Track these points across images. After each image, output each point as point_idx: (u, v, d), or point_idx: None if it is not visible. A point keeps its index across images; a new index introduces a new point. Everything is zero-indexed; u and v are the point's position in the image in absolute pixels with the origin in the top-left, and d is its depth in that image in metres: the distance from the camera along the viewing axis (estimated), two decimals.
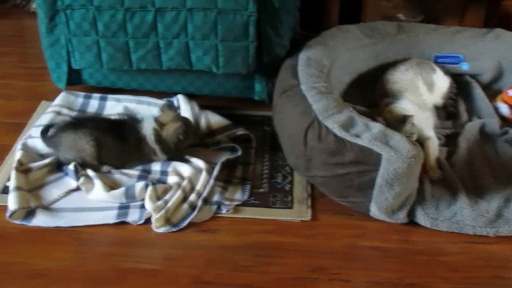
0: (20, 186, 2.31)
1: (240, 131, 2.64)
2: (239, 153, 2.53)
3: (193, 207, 2.29)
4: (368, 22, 3.04)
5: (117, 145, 2.42)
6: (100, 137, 2.39)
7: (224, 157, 2.50)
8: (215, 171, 2.40)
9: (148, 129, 2.41)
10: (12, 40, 3.61)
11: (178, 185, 2.36)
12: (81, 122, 2.48)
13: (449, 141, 2.62)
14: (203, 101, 2.82)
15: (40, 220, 2.24)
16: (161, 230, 2.21)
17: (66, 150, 2.42)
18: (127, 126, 2.45)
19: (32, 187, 2.36)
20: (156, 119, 2.43)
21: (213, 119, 2.70)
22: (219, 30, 2.59)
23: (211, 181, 2.36)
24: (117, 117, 2.65)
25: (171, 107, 2.55)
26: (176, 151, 2.46)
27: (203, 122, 2.65)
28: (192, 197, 2.32)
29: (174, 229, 2.21)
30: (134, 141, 2.41)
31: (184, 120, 2.48)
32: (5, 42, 3.57)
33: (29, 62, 3.34)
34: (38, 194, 2.34)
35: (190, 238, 2.20)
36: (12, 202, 2.24)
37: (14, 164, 2.39)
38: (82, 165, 2.42)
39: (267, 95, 2.84)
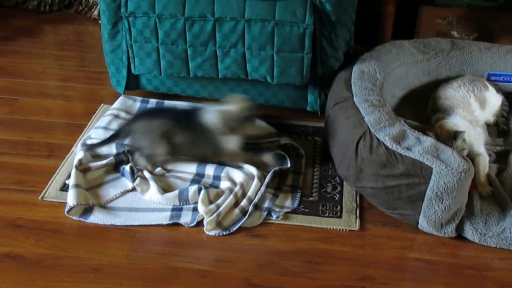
0: (79, 184, 2.39)
1: (284, 140, 2.68)
2: (289, 164, 2.57)
3: (244, 212, 2.34)
4: (422, 38, 3.06)
5: (187, 136, 2.48)
6: (172, 128, 2.46)
7: (276, 165, 2.55)
8: (267, 179, 2.45)
9: (213, 116, 2.47)
10: (74, 44, 3.74)
11: (230, 190, 2.41)
12: (156, 113, 2.57)
13: (500, 158, 2.62)
14: (256, 110, 2.86)
15: (97, 217, 2.32)
16: (212, 233, 2.26)
17: (140, 138, 2.50)
18: (196, 116, 2.51)
19: (90, 186, 2.45)
20: (221, 104, 2.51)
21: (260, 125, 2.75)
22: (275, 41, 2.65)
23: (263, 188, 2.41)
24: (187, 108, 2.72)
25: (243, 97, 2.56)
26: (237, 131, 2.49)
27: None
28: (244, 202, 2.37)
29: (224, 233, 2.27)
30: (202, 130, 2.47)
31: (242, 107, 2.50)
32: (67, 46, 3.70)
33: (89, 67, 3.45)
34: (95, 193, 2.43)
35: (241, 242, 2.25)
36: (71, 198, 2.33)
37: (75, 162, 2.48)
38: (152, 156, 2.50)
39: (319, 106, 2.89)
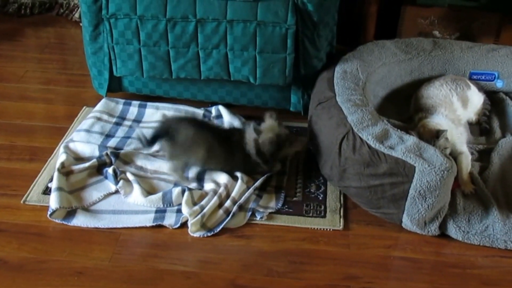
0: (62, 187, 2.38)
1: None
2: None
3: (228, 212, 2.34)
4: (404, 38, 3.08)
5: (225, 155, 2.47)
6: (213, 144, 2.43)
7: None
8: (258, 182, 2.46)
9: (249, 139, 2.46)
10: (56, 47, 3.72)
11: (214, 191, 2.41)
12: (202, 124, 2.53)
13: (482, 156, 2.63)
14: (240, 111, 2.89)
15: (80, 220, 2.31)
16: (197, 234, 2.26)
17: (181, 143, 2.42)
18: (235, 137, 2.49)
19: (73, 189, 2.43)
20: (255, 128, 2.48)
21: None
22: (258, 41, 2.65)
23: (251, 190, 2.41)
24: (227, 127, 2.72)
25: (272, 116, 2.52)
26: (272, 160, 2.49)
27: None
28: (228, 203, 2.37)
29: (209, 234, 2.26)
30: (240, 153, 2.46)
31: (279, 131, 2.48)
32: (49, 49, 3.68)
33: (71, 69, 3.43)
34: (78, 196, 2.41)
35: (225, 243, 2.24)
36: (53, 201, 2.32)
37: (57, 165, 2.47)
38: (187, 165, 2.50)
39: (302, 106, 2.89)
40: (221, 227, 2.29)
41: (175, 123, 2.48)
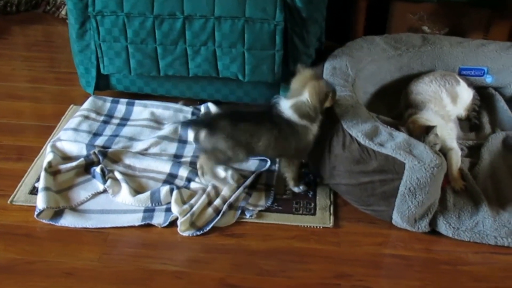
0: (49, 187, 2.36)
1: None
2: (269, 163, 2.57)
3: (217, 211, 2.32)
4: (394, 34, 3.07)
5: (271, 136, 2.30)
6: (256, 130, 2.30)
7: (253, 165, 2.56)
8: (249, 181, 2.44)
9: (287, 108, 2.29)
10: (42, 45, 3.69)
11: (203, 190, 2.40)
12: (239, 115, 2.35)
13: (472, 152, 2.63)
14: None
15: (68, 220, 2.28)
16: (186, 233, 2.24)
17: (222, 140, 2.29)
18: (273, 114, 2.31)
19: (61, 189, 2.41)
20: (290, 90, 2.33)
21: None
22: (246, 38, 2.63)
23: (241, 189, 2.40)
24: (260, 109, 2.51)
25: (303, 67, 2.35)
26: (321, 112, 2.31)
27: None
28: (217, 202, 2.35)
29: (198, 233, 2.25)
30: (285, 127, 2.28)
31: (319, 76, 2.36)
32: (36, 47, 3.65)
33: (58, 67, 3.41)
34: (66, 195, 2.39)
35: (215, 242, 2.23)
36: (40, 201, 2.29)
37: (44, 165, 2.44)
38: (230, 160, 2.36)
39: None
40: (210, 226, 2.27)
41: (215, 119, 2.36)
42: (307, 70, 2.32)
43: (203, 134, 2.31)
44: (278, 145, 2.31)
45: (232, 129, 2.27)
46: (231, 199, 2.35)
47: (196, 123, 2.32)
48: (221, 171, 2.48)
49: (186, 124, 2.36)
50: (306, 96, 2.24)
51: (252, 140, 2.29)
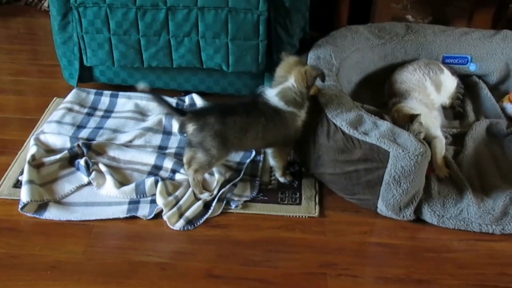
0: (33, 180, 2.34)
1: None
2: (253, 154, 2.58)
3: (207, 205, 2.32)
4: (377, 23, 3.07)
5: (259, 126, 2.28)
6: (244, 123, 2.27)
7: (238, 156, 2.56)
8: (239, 178, 2.44)
9: (272, 96, 2.27)
10: (25, 37, 3.66)
11: (188, 182, 2.38)
12: (226, 110, 2.30)
13: (456, 140, 2.64)
14: (213, 99, 2.86)
15: (52, 213, 2.27)
16: (177, 227, 2.23)
17: (210, 137, 2.25)
18: (259, 104, 2.29)
19: (45, 182, 2.39)
20: (275, 78, 2.31)
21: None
22: (230, 29, 2.62)
23: (230, 185, 2.39)
24: (246, 100, 2.47)
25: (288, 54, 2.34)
26: (308, 98, 2.29)
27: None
28: (206, 195, 2.35)
29: (190, 227, 2.24)
30: (272, 115, 2.26)
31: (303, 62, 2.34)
32: (18, 39, 3.62)
33: (41, 60, 3.38)
34: (50, 188, 2.38)
35: (201, 233, 2.22)
36: (24, 194, 2.28)
37: (28, 158, 2.43)
38: (217, 158, 2.30)
39: None
40: (203, 220, 2.27)
41: (204, 113, 2.30)
42: (292, 57, 2.31)
43: (190, 128, 2.28)
44: (267, 134, 2.30)
45: (220, 126, 2.24)
46: (219, 193, 2.35)
47: (183, 114, 2.29)
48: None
49: (173, 111, 2.32)
50: (291, 81, 2.23)
51: (241, 133, 2.27)
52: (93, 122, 2.76)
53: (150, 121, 2.72)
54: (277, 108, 2.26)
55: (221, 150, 2.28)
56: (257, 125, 2.27)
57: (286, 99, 2.25)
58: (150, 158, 2.51)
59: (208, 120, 2.24)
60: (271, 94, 2.27)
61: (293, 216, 2.31)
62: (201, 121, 2.25)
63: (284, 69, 2.28)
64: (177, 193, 2.34)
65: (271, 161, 2.46)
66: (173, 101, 2.88)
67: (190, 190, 2.35)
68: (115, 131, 2.70)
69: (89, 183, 2.40)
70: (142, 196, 2.35)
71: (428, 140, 2.39)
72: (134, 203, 2.33)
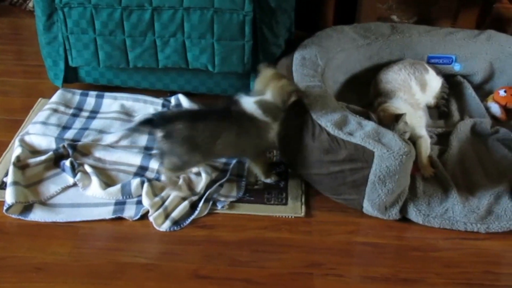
0: (18, 181, 2.33)
1: None
2: None
3: (193, 206, 2.32)
4: (363, 23, 3.08)
5: (231, 134, 2.26)
6: (215, 129, 2.25)
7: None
8: (225, 178, 2.43)
9: (250, 103, 2.26)
10: (10, 38, 3.64)
11: (174, 183, 2.39)
12: (196, 116, 2.29)
13: (441, 140, 2.66)
14: (199, 100, 2.85)
15: (37, 215, 2.26)
16: (164, 228, 2.23)
17: (179, 144, 2.23)
18: (233, 111, 2.27)
19: (30, 183, 2.38)
20: (254, 90, 2.31)
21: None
22: (215, 29, 2.62)
23: (215, 186, 2.38)
24: (219, 106, 2.42)
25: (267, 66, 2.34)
26: (284, 111, 2.29)
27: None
28: (194, 196, 2.35)
29: (176, 228, 2.24)
30: (246, 123, 2.25)
31: (284, 75, 2.34)
32: (2, 40, 3.59)
33: (26, 60, 3.36)
34: (35, 190, 2.36)
35: (187, 234, 2.22)
36: (9, 196, 2.26)
37: (13, 159, 2.41)
38: (186, 164, 2.32)
39: None
40: (189, 221, 2.26)
41: (173, 120, 2.26)
42: (269, 70, 2.31)
43: (159, 135, 2.25)
44: (239, 143, 2.29)
45: (189, 132, 2.22)
46: (206, 194, 2.34)
47: (149, 123, 2.27)
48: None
49: (141, 124, 2.31)
50: (269, 95, 2.25)
51: (211, 139, 2.25)
52: (78, 123, 2.75)
53: (136, 121, 2.71)
54: (253, 116, 2.25)
55: (191, 156, 2.27)
56: (230, 133, 2.26)
57: (264, 108, 2.25)
58: (136, 159, 2.50)
59: (176, 127, 2.22)
60: (249, 101, 2.27)
61: (279, 216, 2.31)
62: (168, 128, 2.23)
63: (262, 83, 2.29)
64: (163, 194, 2.33)
65: (252, 168, 2.46)
66: (159, 101, 2.87)
67: (175, 191, 2.34)
68: (101, 131, 2.69)
69: (74, 184, 2.39)
70: (128, 197, 2.34)
71: (413, 140, 2.41)
72: (120, 204, 2.32)
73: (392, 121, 2.40)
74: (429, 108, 2.85)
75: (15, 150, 2.48)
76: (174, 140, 2.23)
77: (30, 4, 3.85)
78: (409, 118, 2.45)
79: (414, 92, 2.72)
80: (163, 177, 2.40)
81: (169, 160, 2.30)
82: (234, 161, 2.52)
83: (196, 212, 2.29)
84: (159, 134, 2.24)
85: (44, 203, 2.32)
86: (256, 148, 2.35)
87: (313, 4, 3.39)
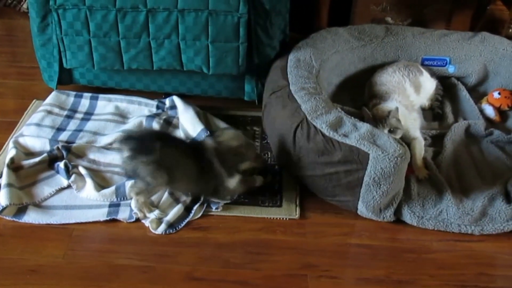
0: (12, 183, 2.32)
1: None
2: None
3: (188, 209, 2.32)
4: (357, 25, 3.08)
5: (197, 169, 2.24)
6: (182, 158, 2.23)
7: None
8: None
9: (210, 147, 2.28)
10: (4, 39, 3.64)
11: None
12: (165, 140, 2.27)
13: (435, 141, 2.66)
14: (193, 101, 2.85)
15: (31, 217, 2.26)
16: (159, 231, 2.22)
17: (142, 164, 2.18)
18: (201, 149, 2.29)
19: (24, 185, 2.38)
20: (215, 137, 2.36)
21: (212, 122, 2.75)
22: (210, 31, 2.62)
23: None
24: (190, 141, 2.50)
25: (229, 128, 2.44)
26: (236, 172, 2.30)
27: (203, 123, 2.67)
28: (186, 198, 2.35)
29: (172, 231, 2.23)
30: (207, 164, 2.25)
31: (244, 139, 2.37)
32: None
33: (20, 62, 3.35)
34: (29, 191, 2.36)
35: (181, 236, 2.22)
36: (3, 198, 2.26)
37: (7, 161, 2.41)
38: (151, 187, 2.26)
39: (256, 95, 2.88)
40: (184, 223, 2.26)
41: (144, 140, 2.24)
42: (227, 133, 2.40)
43: (124, 155, 2.22)
44: (202, 180, 2.26)
45: (156, 154, 2.17)
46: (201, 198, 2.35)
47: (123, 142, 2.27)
48: None
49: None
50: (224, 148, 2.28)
51: (177, 168, 2.21)
52: (72, 125, 2.74)
53: (131, 123, 2.71)
54: (211, 161, 2.26)
55: (156, 179, 2.22)
56: (195, 167, 2.24)
57: (219, 159, 2.27)
58: None
59: (142, 148, 2.19)
60: (210, 146, 2.29)
61: (274, 218, 2.31)
62: (134, 148, 2.20)
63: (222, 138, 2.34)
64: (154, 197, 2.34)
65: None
66: (153, 103, 2.87)
67: (166, 194, 2.35)
68: (95, 133, 2.68)
69: (68, 186, 2.39)
70: (122, 199, 2.34)
71: (407, 142, 2.41)
72: (114, 206, 2.32)
73: (384, 117, 2.42)
74: (423, 110, 2.85)
75: (9, 152, 2.48)
76: (138, 160, 2.19)
77: (25, 6, 3.84)
78: (404, 120, 2.46)
79: (408, 94, 2.73)
80: (132, 204, 2.30)
81: (136, 184, 2.27)
82: None
83: (191, 215, 2.29)
84: (124, 155, 2.22)
85: (38, 205, 2.31)
86: (215, 191, 2.32)
87: (308, 6, 3.39)
